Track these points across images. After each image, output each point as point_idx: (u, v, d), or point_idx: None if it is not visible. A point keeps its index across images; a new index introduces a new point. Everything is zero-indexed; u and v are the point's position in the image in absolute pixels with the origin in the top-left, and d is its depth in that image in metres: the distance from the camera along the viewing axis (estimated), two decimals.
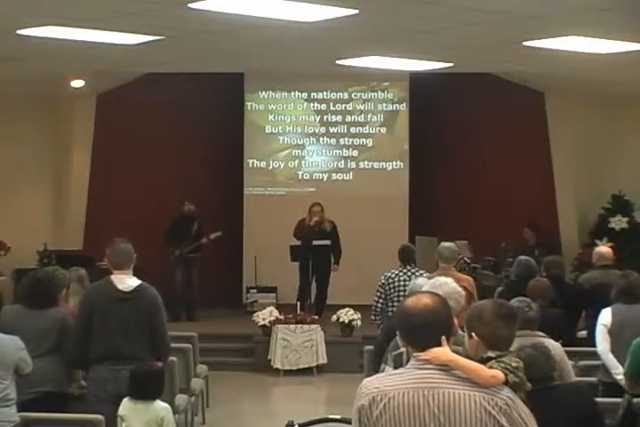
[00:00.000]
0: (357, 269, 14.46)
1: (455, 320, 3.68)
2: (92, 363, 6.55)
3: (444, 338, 3.40)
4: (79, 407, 6.62)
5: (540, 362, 5.29)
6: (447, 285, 5.54)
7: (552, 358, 5.44)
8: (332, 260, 13.67)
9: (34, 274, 7.34)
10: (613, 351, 7.29)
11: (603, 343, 7.36)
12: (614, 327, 7.39)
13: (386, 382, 3.40)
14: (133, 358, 6.41)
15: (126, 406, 6.12)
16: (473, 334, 3.75)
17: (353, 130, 15.88)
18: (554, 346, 6.29)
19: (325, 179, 15.88)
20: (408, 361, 5.09)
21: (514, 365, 3.65)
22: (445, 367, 3.36)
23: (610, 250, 9.89)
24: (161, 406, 6.16)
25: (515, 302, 6.48)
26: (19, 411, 6.11)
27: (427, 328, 3.40)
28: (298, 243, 13.64)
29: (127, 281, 6.59)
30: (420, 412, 3.31)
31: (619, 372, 7.17)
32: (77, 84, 13.85)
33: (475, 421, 3.29)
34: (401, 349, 5.19)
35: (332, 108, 15.85)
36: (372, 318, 9.47)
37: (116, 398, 6.25)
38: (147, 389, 6.12)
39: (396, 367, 5.14)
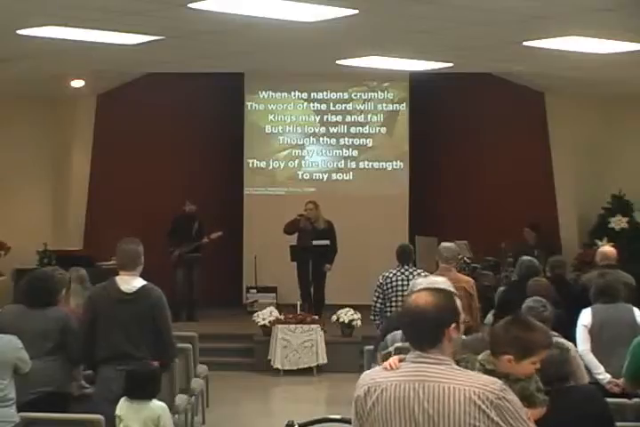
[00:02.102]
0: (357, 269, 14.47)
1: None
2: (99, 364, 6.59)
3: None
4: (79, 407, 6.62)
5: (558, 361, 5.29)
6: (438, 284, 5.55)
7: (569, 359, 5.44)
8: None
9: (33, 273, 7.34)
10: (594, 351, 7.32)
11: (583, 344, 7.40)
12: (595, 328, 7.44)
13: (382, 375, 3.47)
14: (137, 358, 6.43)
15: (123, 406, 6.13)
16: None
17: (353, 130, 15.88)
18: (569, 346, 6.30)
19: (325, 179, 15.88)
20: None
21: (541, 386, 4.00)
22: (439, 361, 3.38)
23: (613, 250, 9.90)
24: (157, 405, 6.17)
25: (530, 301, 6.50)
26: (21, 411, 6.11)
27: (416, 327, 3.45)
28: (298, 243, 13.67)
29: (131, 282, 6.59)
30: (410, 404, 3.35)
31: (600, 372, 7.21)
32: (77, 84, 13.85)
33: (463, 414, 3.30)
34: (389, 348, 5.23)
35: (332, 108, 15.85)
36: (372, 318, 9.47)
37: (121, 398, 6.26)
38: (143, 388, 6.12)
39: None
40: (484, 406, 3.29)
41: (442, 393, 3.32)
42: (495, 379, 3.42)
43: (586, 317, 7.54)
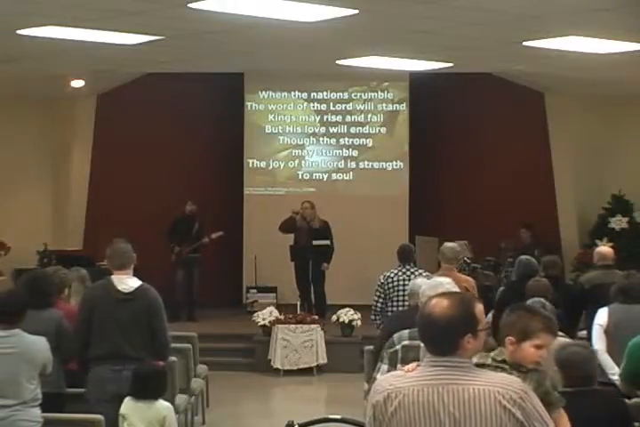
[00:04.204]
0: (357, 269, 14.47)
1: None
2: (93, 363, 6.58)
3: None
4: (79, 407, 6.62)
5: (580, 361, 5.29)
6: (442, 286, 5.54)
7: (594, 360, 5.44)
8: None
9: (32, 273, 7.35)
10: (609, 352, 7.28)
11: (598, 343, 7.36)
12: (610, 327, 7.38)
13: (401, 380, 3.42)
14: (133, 358, 6.43)
15: (128, 406, 6.13)
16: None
17: (353, 130, 15.87)
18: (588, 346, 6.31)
19: (325, 179, 15.88)
20: (402, 359, 5.11)
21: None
22: (458, 364, 3.36)
23: (611, 250, 9.88)
24: (163, 405, 6.19)
25: (530, 302, 6.51)
26: None
27: (430, 336, 3.43)
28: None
29: (127, 282, 6.59)
30: (435, 409, 3.31)
31: (614, 372, 7.16)
32: (77, 84, 13.85)
33: (491, 416, 3.28)
34: (396, 347, 5.23)
35: (332, 108, 15.85)
36: (372, 317, 9.46)
37: (116, 398, 6.27)
38: (149, 388, 6.14)
39: (391, 365, 5.16)
40: (509, 406, 3.27)
41: (467, 396, 3.29)
42: (515, 378, 3.42)
43: (602, 316, 7.48)
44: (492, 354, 4.30)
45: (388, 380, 3.47)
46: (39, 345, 6.05)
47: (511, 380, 3.39)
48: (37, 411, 5.97)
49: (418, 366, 3.45)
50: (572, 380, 5.13)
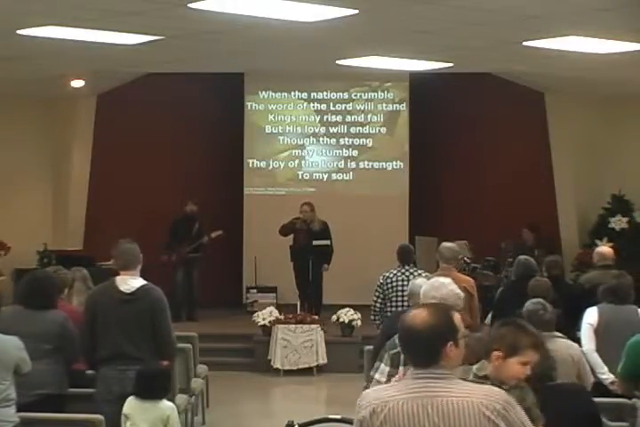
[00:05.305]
0: (357, 269, 14.46)
1: None
2: (99, 364, 6.61)
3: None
4: (79, 407, 6.63)
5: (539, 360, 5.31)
6: (445, 287, 5.51)
7: (551, 358, 5.44)
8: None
9: (33, 274, 7.34)
10: (599, 351, 7.29)
11: (588, 343, 7.36)
12: (600, 327, 7.39)
13: (385, 393, 3.45)
14: (136, 358, 6.44)
15: (132, 405, 6.14)
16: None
17: (353, 130, 15.87)
18: (573, 346, 6.31)
19: (325, 179, 15.88)
20: (405, 361, 5.10)
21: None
22: (441, 376, 3.38)
23: (610, 250, 9.88)
24: (167, 405, 6.20)
25: (529, 304, 6.49)
26: (18, 413, 6.11)
27: (412, 348, 3.47)
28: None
29: (130, 282, 6.60)
30: (420, 421, 3.34)
31: (603, 371, 7.17)
32: (77, 84, 13.84)
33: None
34: (398, 348, 5.20)
35: (332, 108, 15.84)
36: (372, 318, 9.47)
37: (121, 398, 6.28)
38: (153, 388, 6.14)
39: (392, 366, 5.14)
40: (493, 417, 3.30)
41: (451, 408, 3.32)
42: (499, 389, 3.44)
43: (592, 315, 7.49)
44: (474, 369, 4.29)
45: (373, 394, 3.49)
46: (9, 345, 6.04)
47: (495, 391, 3.41)
48: (9, 411, 5.96)
49: (404, 374, 3.47)
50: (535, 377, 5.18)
